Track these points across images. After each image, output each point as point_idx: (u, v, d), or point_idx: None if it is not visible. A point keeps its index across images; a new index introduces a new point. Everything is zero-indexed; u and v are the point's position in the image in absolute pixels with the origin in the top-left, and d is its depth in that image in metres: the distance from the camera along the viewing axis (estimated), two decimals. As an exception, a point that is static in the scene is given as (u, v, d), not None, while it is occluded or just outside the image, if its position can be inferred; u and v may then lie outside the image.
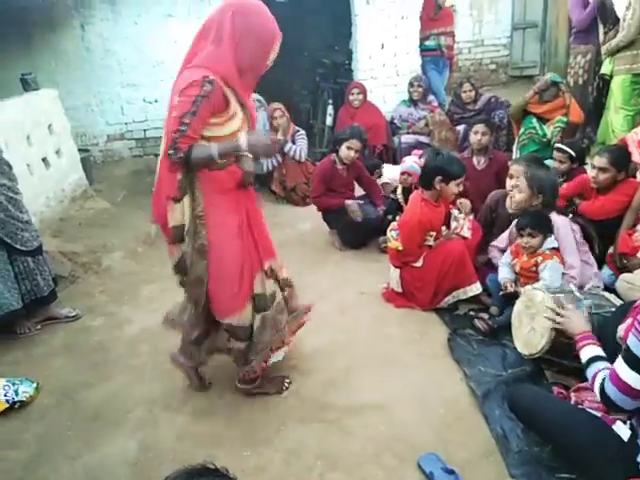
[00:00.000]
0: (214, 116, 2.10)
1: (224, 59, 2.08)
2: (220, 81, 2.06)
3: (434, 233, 3.25)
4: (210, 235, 2.26)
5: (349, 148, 4.08)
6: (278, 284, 2.50)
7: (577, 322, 2.13)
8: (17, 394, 2.67)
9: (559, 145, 3.90)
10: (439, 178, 3.15)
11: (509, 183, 3.27)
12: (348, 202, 4.15)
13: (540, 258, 2.88)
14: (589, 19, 5.32)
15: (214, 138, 2.13)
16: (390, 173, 4.82)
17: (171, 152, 2.05)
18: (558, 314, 2.22)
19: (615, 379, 1.70)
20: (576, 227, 3.04)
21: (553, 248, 2.90)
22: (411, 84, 5.94)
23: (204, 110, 2.03)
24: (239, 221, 2.31)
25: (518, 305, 2.57)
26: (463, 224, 3.44)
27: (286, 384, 2.67)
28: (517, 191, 3.12)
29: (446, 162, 3.16)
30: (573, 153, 3.75)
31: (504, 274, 3.04)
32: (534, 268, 2.90)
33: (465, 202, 3.75)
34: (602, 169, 3.18)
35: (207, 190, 2.23)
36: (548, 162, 4.15)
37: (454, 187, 3.18)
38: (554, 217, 2.96)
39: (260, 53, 2.13)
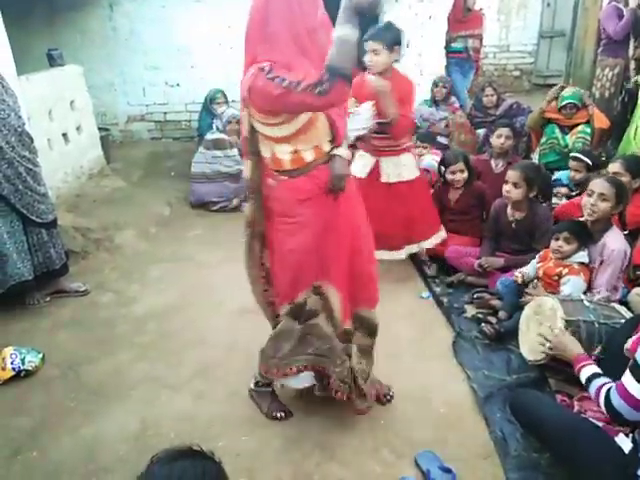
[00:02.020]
0: (276, 116, 1.86)
1: (272, 45, 1.82)
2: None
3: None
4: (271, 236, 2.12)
5: None
6: (332, 322, 2.17)
7: (569, 346, 2.14)
8: (23, 363, 2.70)
9: (574, 154, 3.87)
10: None
11: (505, 188, 3.33)
12: None
13: (566, 270, 2.81)
14: (626, 29, 5.25)
15: (291, 136, 1.90)
16: (429, 160, 4.60)
17: (319, 90, 1.68)
18: (548, 340, 2.25)
19: (623, 392, 1.70)
20: (628, 251, 2.84)
21: (582, 263, 2.82)
22: (435, 84, 5.90)
23: (280, 70, 1.77)
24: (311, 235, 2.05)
25: (527, 310, 2.56)
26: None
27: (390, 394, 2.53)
28: (511, 186, 3.26)
29: None
30: (590, 161, 3.72)
31: (525, 268, 3.02)
32: (556, 277, 2.85)
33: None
34: (616, 174, 3.16)
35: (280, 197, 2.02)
36: (564, 173, 4.11)
37: None
38: (614, 236, 2.79)
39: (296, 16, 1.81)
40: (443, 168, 3.82)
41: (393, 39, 2.98)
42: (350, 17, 1.65)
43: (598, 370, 1.96)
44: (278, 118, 1.85)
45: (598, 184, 2.79)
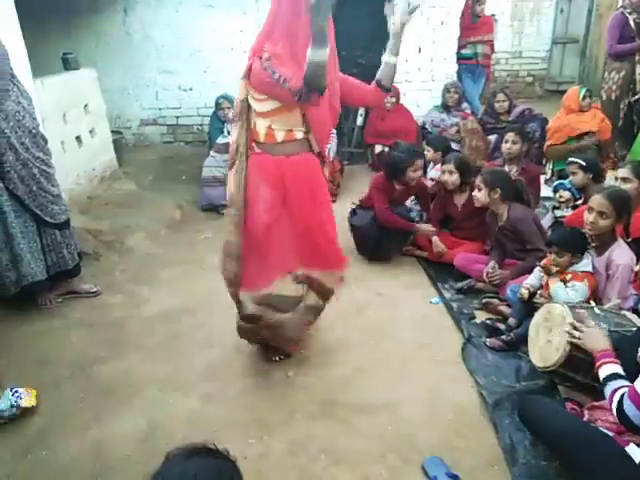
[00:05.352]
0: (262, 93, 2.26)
1: (260, 34, 2.28)
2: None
3: None
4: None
5: (415, 171, 3.81)
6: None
7: (597, 339, 2.08)
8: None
9: (570, 159, 3.95)
10: None
11: (474, 193, 3.52)
12: (418, 226, 3.96)
13: (569, 276, 2.79)
14: (621, 52, 5.32)
15: (269, 113, 2.29)
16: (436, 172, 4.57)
17: (298, 96, 2.13)
18: (577, 329, 2.18)
19: (634, 397, 1.67)
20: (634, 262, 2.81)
21: (586, 271, 2.79)
22: (447, 90, 5.89)
23: (280, 65, 2.15)
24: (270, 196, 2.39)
25: (537, 317, 2.54)
26: None
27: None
28: (477, 190, 3.46)
29: None
30: (583, 162, 3.81)
31: (529, 280, 2.98)
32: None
33: None
34: (624, 179, 3.13)
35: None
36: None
37: None
38: (620, 250, 2.76)
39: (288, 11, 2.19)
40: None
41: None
42: (321, 40, 1.98)
43: (619, 370, 1.90)
44: (262, 95, 2.25)
45: (597, 201, 2.72)
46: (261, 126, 2.32)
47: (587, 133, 4.88)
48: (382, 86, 2.48)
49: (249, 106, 2.34)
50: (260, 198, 2.39)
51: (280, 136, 2.32)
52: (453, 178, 3.81)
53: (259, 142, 2.37)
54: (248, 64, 2.27)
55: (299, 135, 2.34)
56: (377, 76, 2.50)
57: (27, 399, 2.50)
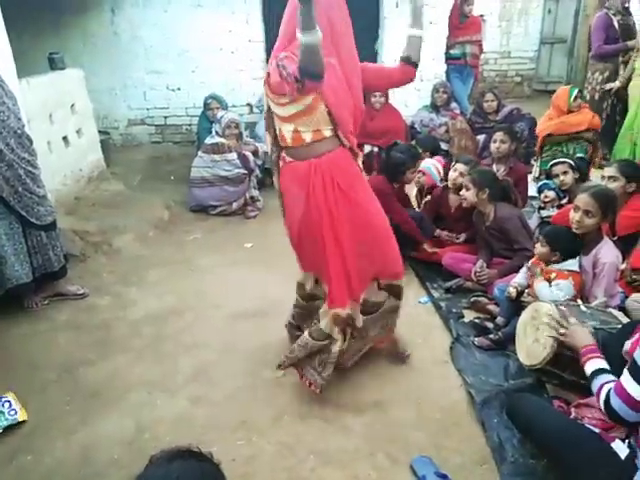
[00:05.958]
0: (283, 96, 2.12)
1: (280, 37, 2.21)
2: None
3: None
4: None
5: (413, 172, 3.78)
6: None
7: (581, 336, 2.09)
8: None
9: (556, 160, 3.99)
10: None
11: (462, 193, 3.53)
12: (438, 232, 3.93)
13: (554, 275, 2.82)
14: (608, 53, 5.38)
15: (292, 116, 2.18)
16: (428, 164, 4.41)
17: (297, 86, 2.02)
18: (562, 326, 2.19)
19: (620, 392, 1.70)
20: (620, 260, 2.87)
21: (572, 270, 2.81)
22: (436, 89, 5.91)
23: (292, 63, 2.04)
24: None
25: (524, 315, 2.54)
26: None
27: None
28: (465, 190, 3.46)
29: None
30: (572, 162, 3.86)
31: (517, 279, 2.99)
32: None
33: None
34: (611, 177, 3.16)
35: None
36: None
37: None
38: (606, 249, 2.78)
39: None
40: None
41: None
42: (310, 21, 1.85)
43: (604, 365, 1.92)
44: (284, 99, 2.13)
45: (582, 200, 2.73)
46: (287, 130, 2.23)
47: (587, 130, 4.92)
48: (411, 62, 2.39)
49: (272, 114, 2.29)
50: (292, 197, 2.37)
51: (308, 137, 2.22)
52: (460, 180, 3.74)
53: (287, 147, 2.29)
54: (268, 70, 2.19)
55: (327, 133, 2.23)
56: (403, 53, 2.40)
57: (20, 413, 2.47)
